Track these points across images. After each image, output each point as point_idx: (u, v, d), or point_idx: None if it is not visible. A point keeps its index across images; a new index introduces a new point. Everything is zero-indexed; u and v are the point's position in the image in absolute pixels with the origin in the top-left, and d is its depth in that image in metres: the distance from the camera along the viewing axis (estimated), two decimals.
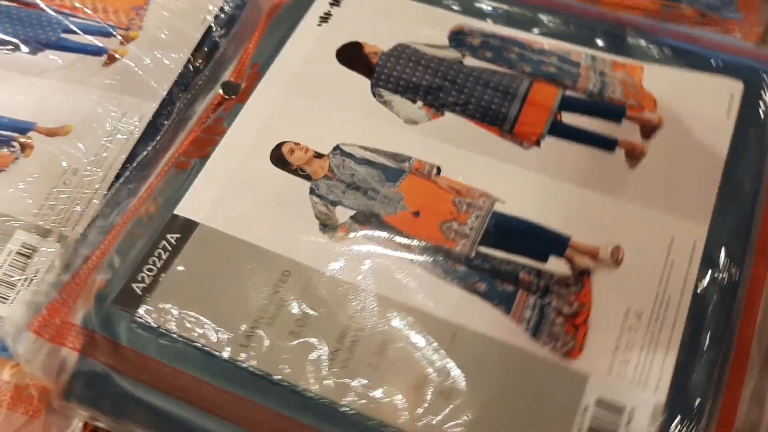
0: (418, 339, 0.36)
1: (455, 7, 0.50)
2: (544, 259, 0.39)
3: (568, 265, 0.39)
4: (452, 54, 0.48)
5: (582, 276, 0.39)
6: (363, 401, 0.35)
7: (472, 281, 0.38)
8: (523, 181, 0.42)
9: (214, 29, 0.54)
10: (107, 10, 0.55)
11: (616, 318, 0.37)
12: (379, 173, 0.43)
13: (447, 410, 0.34)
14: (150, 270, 0.39)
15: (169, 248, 0.40)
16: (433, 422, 0.34)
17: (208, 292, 0.39)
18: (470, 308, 0.38)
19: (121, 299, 0.39)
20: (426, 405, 0.34)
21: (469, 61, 0.47)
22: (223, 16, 0.55)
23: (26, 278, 0.43)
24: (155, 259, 0.40)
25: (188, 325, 0.37)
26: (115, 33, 0.53)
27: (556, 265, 0.39)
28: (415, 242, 0.40)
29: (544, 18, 0.49)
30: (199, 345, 0.37)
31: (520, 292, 0.38)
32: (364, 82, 0.47)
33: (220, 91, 0.47)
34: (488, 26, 0.49)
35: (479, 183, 0.42)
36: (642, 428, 0.34)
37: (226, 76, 0.49)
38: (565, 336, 0.37)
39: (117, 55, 0.52)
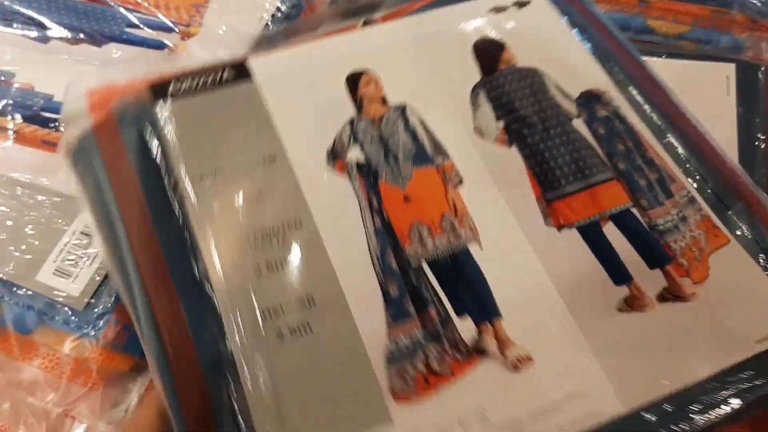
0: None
1: (609, 74, 0.47)
2: (460, 315, 0.38)
3: (474, 334, 0.37)
4: (570, 107, 0.45)
5: (475, 353, 0.37)
6: None
7: (391, 280, 0.38)
8: (515, 246, 0.40)
9: (271, 27, 0.56)
10: (169, 6, 0.58)
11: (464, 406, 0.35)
12: (413, 149, 0.43)
13: None
14: None
15: None
16: None
17: None
18: (367, 295, 0.38)
19: None
20: None
21: (578, 124, 0.44)
22: (279, 14, 0.57)
23: (88, 257, 0.46)
24: None
25: None
26: (176, 29, 0.56)
27: (465, 326, 0.37)
28: (382, 218, 0.40)
29: (671, 136, 0.44)
30: None
31: (415, 319, 0.37)
32: (469, 76, 0.46)
33: None
34: (624, 107, 0.45)
35: (479, 218, 0.40)
36: None
37: None
38: (412, 382, 0.35)
39: (177, 50, 0.55)
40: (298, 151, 0.42)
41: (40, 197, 0.47)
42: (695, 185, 0.43)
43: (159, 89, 0.43)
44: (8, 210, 0.47)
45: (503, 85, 0.45)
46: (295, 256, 0.38)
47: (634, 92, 0.46)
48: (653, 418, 0.35)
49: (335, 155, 0.42)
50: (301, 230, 0.39)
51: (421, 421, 0.35)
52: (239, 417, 0.34)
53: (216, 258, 0.38)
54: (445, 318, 0.38)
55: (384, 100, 0.44)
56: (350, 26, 0.49)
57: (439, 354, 0.37)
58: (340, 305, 0.37)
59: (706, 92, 0.49)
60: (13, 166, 0.48)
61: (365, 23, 0.50)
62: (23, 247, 0.45)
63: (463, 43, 0.47)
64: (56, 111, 0.51)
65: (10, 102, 0.51)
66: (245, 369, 0.35)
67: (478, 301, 0.38)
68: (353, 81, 0.45)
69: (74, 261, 0.45)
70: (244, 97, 0.44)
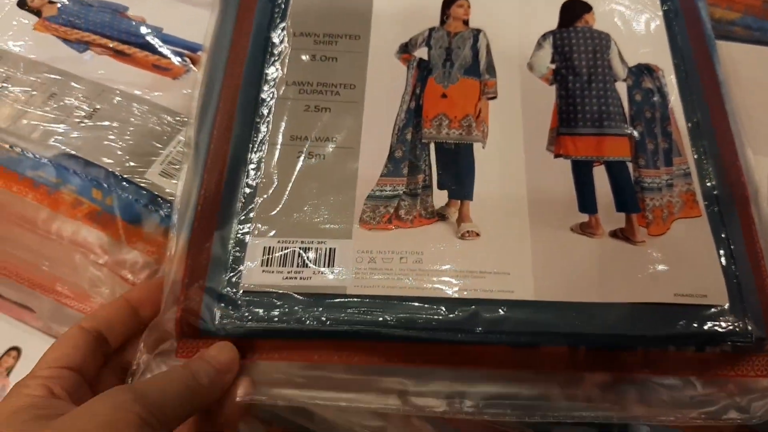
0: None
1: (674, 57, 0.51)
2: (441, 188, 0.45)
3: (444, 204, 0.45)
4: (620, 71, 0.50)
5: (437, 216, 0.44)
6: None
7: (401, 145, 0.47)
8: (511, 156, 0.46)
9: None
10: None
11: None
12: (469, 63, 0.50)
13: None
14: None
15: None
16: None
17: None
18: (377, 149, 0.47)
19: None
20: None
21: (620, 86, 0.49)
22: None
23: None
24: None
25: None
26: None
27: (439, 196, 0.45)
28: (417, 102, 0.48)
29: (702, 128, 0.48)
30: None
31: (404, 178, 0.46)
32: (547, 23, 0.53)
33: None
34: (670, 87, 0.50)
35: (494, 126, 0.48)
36: None
37: None
38: (379, 217, 0.44)
39: None
40: (380, 36, 0.51)
41: (150, 110, 0.54)
42: (696, 166, 0.46)
43: None
44: (127, 117, 0.53)
45: (572, 39, 0.51)
46: (339, 106, 0.48)
47: (689, 80, 0.50)
48: (552, 314, 0.40)
49: (406, 49, 0.51)
50: (353, 91, 0.49)
51: (373, 245, 0.43)
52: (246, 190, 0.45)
53: (282, 87, 0.48)
54: (427, 185, 0.46)
55: (466, 23, 0.53)
56: None
57: (409, 206, 0.45)
58: (354, 148, 0.46)
59: (755, 76, 0.52)
60: (131, 83, 0.55)
61: None
62: (136, 149, 0.51)
63: None
64: (165, 41, 0.58)
65: (126, 31, 0.59)
66: (264, 168, 0.45)
67: (459, 183, 0.45)
68: (449, 1, 0.54)
69: (178, 166, 0.51)
70: None
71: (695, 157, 0.47)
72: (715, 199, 0.45)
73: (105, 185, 0.49)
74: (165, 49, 0.58)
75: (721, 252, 0.43)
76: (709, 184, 0.45)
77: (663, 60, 0.51)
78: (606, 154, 0.46)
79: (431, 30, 0.52)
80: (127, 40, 0.58)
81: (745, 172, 0.46)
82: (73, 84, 0.55)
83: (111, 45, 0.58)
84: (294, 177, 0.45)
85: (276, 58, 0.50)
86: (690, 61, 0.51)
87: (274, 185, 0.45)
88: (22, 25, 0.59)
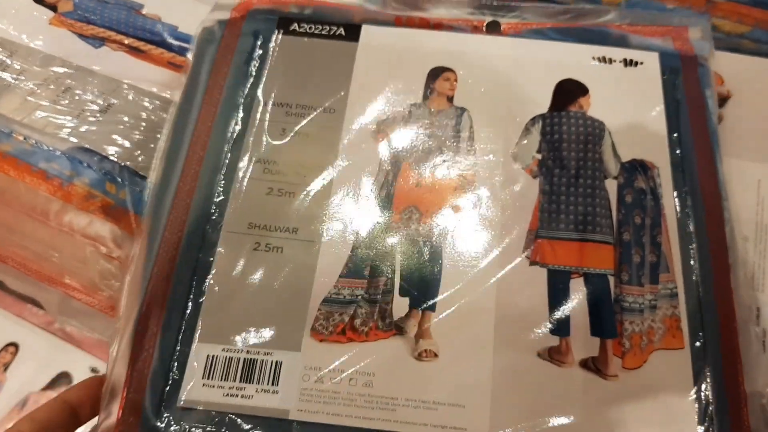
0: None
1: (672, 155, 0.47)
2: (402, 295, 0.42)
3: (402, 314, 0.41)
4: (612, 167, 0.46)
5: (395, 329, 0.41)
6: None
7: (364, 244, 0.43)
8: (482, 260, 0.43)
9: None
10: None
11: None
12: (448, 144, 0.46)
13: None
14: None
15: None
16: None
17: None
18: (340, 246, 0.43)
19: None
20: None
21: (610, 184, 0.45)
22: None
23: None
24: None
25: None
26: None
27: (399, 304, 0.42)
28: (388, 190, 0.45)
29: (695, 239, 0.44)
30: None
31: (365, 281, 0.42)
32: (538, 106, 0.48)
33: None
34: (665, 188, 0.45)
35: (466, 223, 0.44)
36: None
37: None
38: (332, 327, 0.41)
39: None
40: (355, 111, 0.48)
41: (163, 106, 0.54)
42: (685, 286, 0.42)
43: (283, 23, 0.52)
44: (140, 113, 0.54)
45: (563, 125, 0.47)
46: (304, 190, 0.45)
47: (686, 182, 0.45)
48: None
49: (382, 127, 0.47)
50: (322, 173, 0.45)
51: (322, 361, 0.40)
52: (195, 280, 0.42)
53: (247, 164, 0.45)
54: (388, 290, 0.42)
55: (450, 99, 0.49)
56: (477, 22, 0.53)
57: (366, 315, 0.41)
58: (315, 242, 0.43)
59: (763, 89, 0.52)
60: (145, 79, 0.56)
61: (489, 26, 0.53)
62: (149, 144, 0.52)
63: (552, 76, 0.49)
64: (180, 39, 0.59)
65: (141, 28, 0.59)
66: (216, 260, 0.43)
67: (423, 289, 0.42)
68: (434, 74, 0.50)
69: None
70: (342, 55, 0.50)
71: (685, 275, 0.42)
72: (701, 329, 0.41)
73: (119, 179, 0.50)
74: (179, 47, 0.59)
75: (701, 395, 0.39)
76: (696, 311, 0.41)
77: (660, 156, 0.46)
78: (587, 265, 0.43)
79: (412, 107, 0.48)
80: (142, 37, 0.59)
81: (736, 298, 0.41)
82: (87, 78, 0.56)
83: (126, 42, 0.59)
84: (247, 272, 0.42)
85: (243, 129, 0.47)
86: (689, 161, 0.46)
87: (226, 282, 0.42)
88: (38, 20, 0.60)
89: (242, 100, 0.48)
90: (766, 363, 0.41)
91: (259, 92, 0.48)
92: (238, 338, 0.40)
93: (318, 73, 0.49)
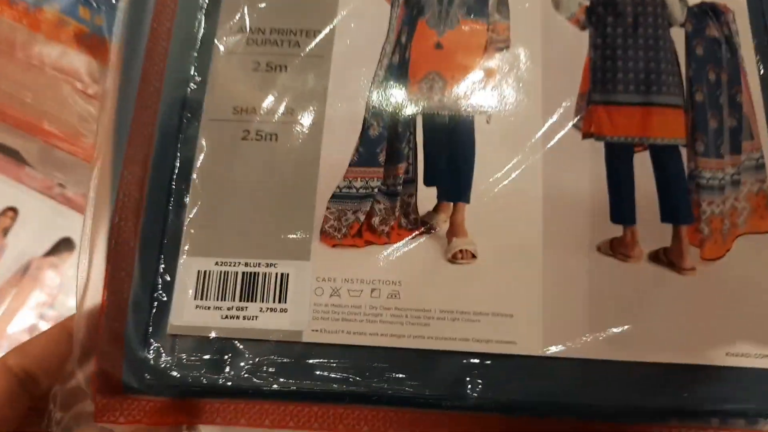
0: None
1: None
2: (428, 185, 0.35)
3: (430, 207, 0.34)
4: (677, 11, 0.36)
5: (422, 226, 0.34)
6: None
7: (376, 120, 0.35)
8: (524, 135, 0.35)
9: None
10: None
11: None
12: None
13: None
14: None
15: None
16: None
17: None
18: (347, 125, 0.35)
19: None
20: None
21: (677, 33, 0.36)
22: None
23: None
24: None
25: None
26: None
27: (425, 195, 0.35)
28: (402, 55, 0.36)
29: None
30: None
31: (380, 168, 0.35)
32: None
33: None
34: (743, 36, 0.36)
35: (504, 91, 0.35)
36: None
37: None
38: (346, 228, 0.34)
39: None
40: None
41: None
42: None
43: None
44: None
45: None
46: (298, 62, 0.36)
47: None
48: (563, 378, 0.31)
49: None
50: (317, 40, 0.36)
51: (337, 270, 0.33)
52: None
53: (225, 36, 0.36)
54: (410, 179, 0.35)
55: None
56: None
57: (385, 212, 0.34)
58: (317, 123, 0.35)
59: None
60: None
61: None
62: None
63: None
64: None
65: None
66: (198, 156, 0.35)
67: (453, 177, 0.34)
68: None
69: None
70: None
71: None
72: None
73: (93, 3, 0.44)
74: None
75: None
76: None
77: None
78: (653, 134, 0.34)
79: None
80: None
81: None
82: None
83: None
84: (237, 168, 0.35)
85: None
86: None
87: (213, 181, 0.34)
88: None
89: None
90: None
91: None
92: (233, 249, 0.33)
93: None
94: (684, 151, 0.34)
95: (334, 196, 0.34)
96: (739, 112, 0.35)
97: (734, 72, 0.36)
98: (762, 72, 0.36)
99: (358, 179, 0.34)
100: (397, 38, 0.37)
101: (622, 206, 0.33)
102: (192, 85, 0.36)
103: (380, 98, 0.35)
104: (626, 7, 0.36)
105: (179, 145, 0.35)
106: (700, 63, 0.36)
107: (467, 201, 0.34)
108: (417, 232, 0.34)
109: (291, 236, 0.33)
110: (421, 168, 0.35)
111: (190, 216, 0.34)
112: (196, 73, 0.36)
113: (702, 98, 0.35)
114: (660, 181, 0.34)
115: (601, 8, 0.37)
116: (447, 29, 0.37)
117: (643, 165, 0.34)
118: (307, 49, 0.36)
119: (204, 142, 0.35)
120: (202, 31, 0.37)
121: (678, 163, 0.34)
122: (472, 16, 0.37)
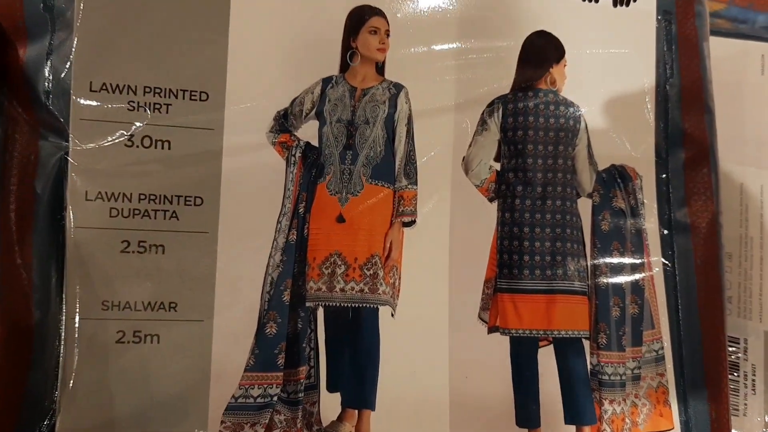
0: None
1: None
2: (331, 390, 0.32)
3: (334, 415, 0.32)
4: (586, 181, 0.35)
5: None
6: None
7: (274, 315, 0.31)
8: (431, 332, 0.33)
9: None
10: None
11: None
12: (380, 154, 0.33)
13: None
14: None
15: None
16: None
17: None
18: (241, 321, 0.31)
19: None
20: None
21: (584, 204, 0.35)
22: None
23: None
24: None
25: None
26: None
27: (330, 400, 0.32)
28: (301, 232, 0.32)
29: None
30: None
31: (280, 374, 0.31)
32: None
33: None
34: (649, 200, 0.36)
35: (410, 279, 0.33)
36: None
37: None
38: None
39: None
40: (240, 94, 0.32)
41: None
42: (672, 341, 0.35)
43: None
44: None
45: (529, 115, 0.34)
46: (177, 240, 0.31)
47: (673, 200, 0.36)
48: None
49: (283, 124, 0.32)
50: (200, 209, 0.31)
51: None
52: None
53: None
54: (312, 384, 0.32)
55: (381, 69, 0.33)
56: None
57: (287, 423, 0.31)
58: (203, 326, 0.31)
59: (740, 71, 0.45)
60: None
61: None
62: None
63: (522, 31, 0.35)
64: None
65: None
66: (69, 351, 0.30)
67: (358, 380, 0.32)
68: (358, 18, 0.33)
69: None
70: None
71: (672, 329, 0.35)
72: (689, 400, 0.34)
73: None
74: None
75: None
76: (687, 374, 0.35)
77: (645, 159, 0.35)
78: (557, 326, 0.34)
79: (324, 83, 0.33)
80: None
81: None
82: None
83: None
84: (113, 379, 0.30)
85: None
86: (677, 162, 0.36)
87: (83, 395, 0.30)
88: None
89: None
90: (757, 407, 0.37)
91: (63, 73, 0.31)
92: None
93: (171, 34, 0.32)
94: (587, 343, 0.34)
95: (228, 408, 0.31)
96: (641, 296, 0.35)
97: (638, 247, 0.35)
98: (666, 251, 0.35)
99: (255, 386, 0.31)
100: (294, 208, 0.32)
101: (527, 409, 0.33)
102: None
103: (277, 288, 0.32)
104: (536, 174, 0.34)
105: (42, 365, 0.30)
106: (605, 240, 0.35)
107: (372, 408, 0.32)
108: None
109: None
110: (324, 371, 0.32)
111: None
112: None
113: (605, 282, 0.34)
114: (563, 378, 0.33)
115: (512, 174, 0.34)
116: (350, 196, 0.33)
117: (546, 361, 0.34)
118: (189, 223, 0.31)
119: (69, 347, 0.30)
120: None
121: (581, 358, 0.34)
122: (378, 180, 0.33)
